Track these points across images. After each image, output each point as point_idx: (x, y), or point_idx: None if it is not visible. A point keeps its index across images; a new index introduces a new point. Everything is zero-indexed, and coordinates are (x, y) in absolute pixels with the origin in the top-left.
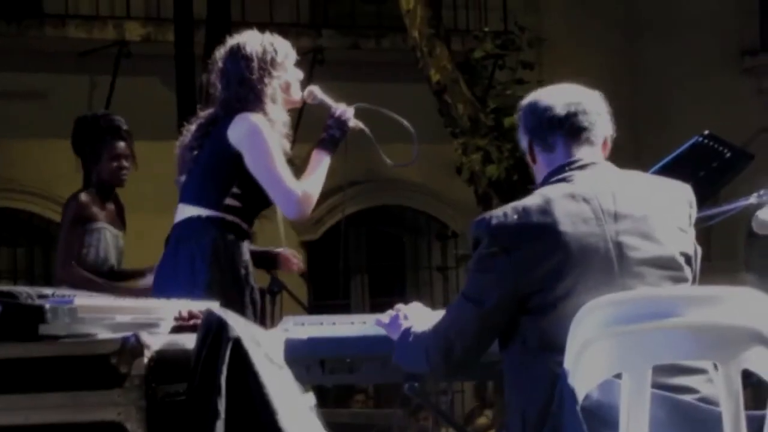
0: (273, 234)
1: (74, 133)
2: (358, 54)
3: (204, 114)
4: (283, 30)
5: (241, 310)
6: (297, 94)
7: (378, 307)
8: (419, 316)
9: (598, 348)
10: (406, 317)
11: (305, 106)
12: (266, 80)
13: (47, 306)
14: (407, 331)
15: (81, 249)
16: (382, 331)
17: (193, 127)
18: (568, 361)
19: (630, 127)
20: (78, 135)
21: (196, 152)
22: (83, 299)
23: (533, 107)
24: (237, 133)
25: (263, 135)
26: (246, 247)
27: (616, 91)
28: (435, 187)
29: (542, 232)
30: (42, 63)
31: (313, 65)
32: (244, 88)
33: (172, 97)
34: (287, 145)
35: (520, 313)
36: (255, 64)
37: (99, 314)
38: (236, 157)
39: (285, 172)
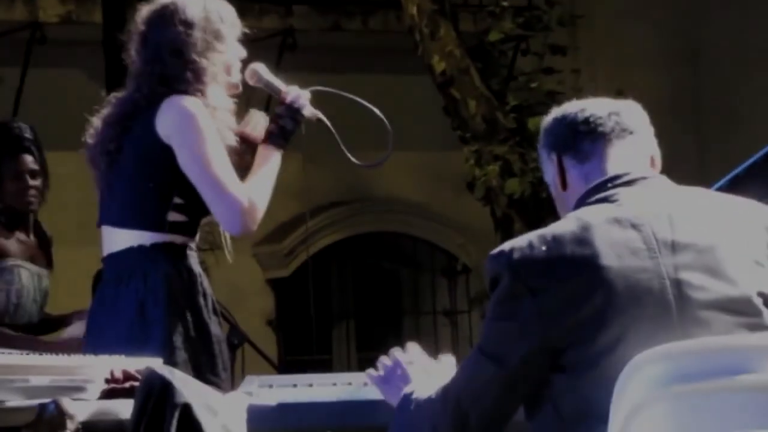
0: (232, 267)
1: None
2: (340, 37)
3: (118, 100)
4: (242, 7)
5: (211, 363)
6: (236, 77)
7: (367, 363)
8: (423, 371)
9: (651, 414)
10: (405, 374)
11: (252, 92)
12: (209, 55)
13: None
14: (408, 396)
15: None
16: (373, 395)
17: (101, 122)
18: None
19: (692, 126)
20: None
21: (113, 157)
22: None
23: (560, 117)
24: (167, 122)
25: (198, 123)
26: (204, 278)
27: (673, 81)
28: (440, 209)
29: (578, 267)
30: None
31: (281, 51)
32: (179, 62)
33: (101, 93)
34: (232, 139)
35: (551, 372)
36: (197, 33)
37: (7, 375)
38: (171, 157)
39: (226, 172)
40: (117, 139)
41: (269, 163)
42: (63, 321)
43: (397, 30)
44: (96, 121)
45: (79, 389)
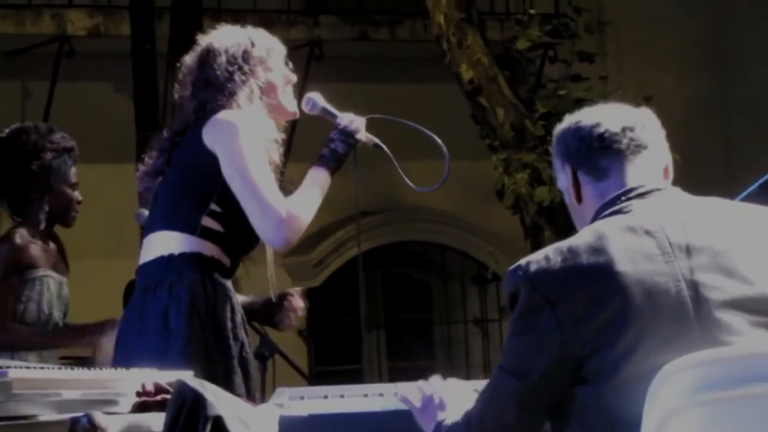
0: (262, 279)
1: (11, 146)
2: (367, 47)
3: (170, 127)
4: (269, 18)
5: (227, 378)
6: (289, 102)
7: (398, 372)
8: (457, 398)
9: (682, 422)
10: (442, 402)
11: (299, 119)
12: (237, 78)
13: None
14: (440, 424)
15: (17, 304)
16: (404, 406)
17: (156, 148)
18: None
19: (720, 131)
20: (15, 150)
21: (163, 169)
22: (20, 371)
23: (574, 128)
24: (214, 132)
25: (245, 134)
26: (233, 291)
27: (701, 86)
28: (470, 217)
29: (594, 275)
30: None
31: (308, 62)
32: (212, 89)
33: (129, 106)
34: (275, 154)
35: (574, 384)
36: (223, 59)
37: (40, 389)
38: (214, 165)
39: (268, 185)
40: (167, 151)
41: (316, 182)
42: (95, 328)
43: (425, 39)
44: (150, 154)
45: (111, 402)
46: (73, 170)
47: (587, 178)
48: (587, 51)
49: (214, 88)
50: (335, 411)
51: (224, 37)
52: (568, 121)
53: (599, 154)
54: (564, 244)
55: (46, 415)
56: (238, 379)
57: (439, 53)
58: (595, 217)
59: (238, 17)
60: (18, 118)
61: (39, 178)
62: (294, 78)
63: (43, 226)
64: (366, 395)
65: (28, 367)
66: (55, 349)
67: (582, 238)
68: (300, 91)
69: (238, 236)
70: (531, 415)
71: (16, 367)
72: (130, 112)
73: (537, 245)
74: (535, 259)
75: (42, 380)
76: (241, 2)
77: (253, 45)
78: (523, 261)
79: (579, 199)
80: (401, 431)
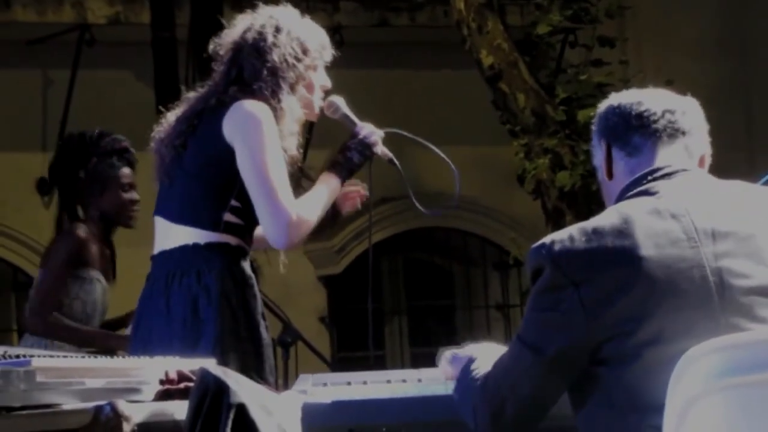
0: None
1: (60, 157)
2: (387, 33)
3: (192, 98)
4: (290, 3)
5: (258, 366)
6: (317, 102)
7: (420, 358)
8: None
9: (705, 407)
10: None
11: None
12: (291, 63)
13: None
14: (468, 368)
15: (64, 299)
16: (427, 391)
17: (173, 117)
18: (668, 426)
19: (741, 116)
20: (63, 161)
21: (178, 152)
22: (43, 360)
23: (616, 105)
24: (232, 123)
25: (262, 128)
26: (255, 281)
27: (722, 71)
28: (491, 202)
29: (619, 258)
30: None
31: None
32: (258, 61)
33: (149, 94)
34: (293, 149)
35: (594, 364)
36: (285, 38)
37: (64, 378)
38: (233, 159)
39: (280, 183)
40: (183, 135)
41: (327, 188)
42: (121, 323)
43: (445, 25)
44: (170, 116)
45: (135, 391)
46: (124, 171)
47: (620, 154)
48: (608, 36)
49: (264, 59)
50: (358, 397)
51: (294, 23)
52: (612, 98)
53: (635, 131)
54: (589, 224)
55: (70, 404)
56: (269, 366)
57: (459, 39)
58: (621, 196)
59: (258, 2)
60: (39, 106)
61: (86, 184)
62: (329, 84)
63: (99, 229)
64: (389, 381)
65: (51, 356)
66: (94, 347)
67: (607, 220)
68: None
69: (254, 225)
70: (546, 389)
71: (39, 356)
72: (150, 101)
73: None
74: (559, 239)
75: (65, 369)
76: None
77: (314, 40)
78: (547, 239)
79: (610, 174)
80: (424, 417)
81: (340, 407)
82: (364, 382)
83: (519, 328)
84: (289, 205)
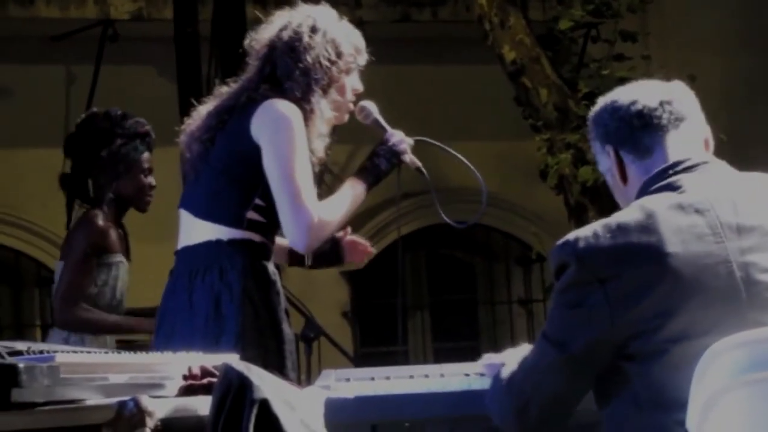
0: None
1: (82, 132)
2: (409, 28)
3: (224, 93)
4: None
5: (280, 363)
6: (347, 106)
7: (443, 353)
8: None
9: (729, 401)
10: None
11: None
12: (324, 64)
13: (21, 365)
14: (499, 371)
15: (92, 288)
16: (450, 387)
17: (204, 111)
18: (691, 421)
19: (765, 110)
20: (85, 137)
21: (206, 147)
22: (67, 356)
23: (611, 109)
24: (260, 122)
25: (290, 129)
26: (278, 278)
27: (746, 65)
28: (513, 198)
29: (645, 255)
30: (5, 51)
31: None
32: (291, 60)
33: (172, 90)
34: (321, 151)
35: (620, 359)
36: (319, 39)
37: (87, 374)
38: (259, 157)
39: (304, 185)
40: (212, 130)
41: (352, 193)
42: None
43: (467, 20)
44: (201, 109)
45: (158, 386)
46: (145, 155)
47: (631, 157)
48: (630, 30)
49: (297, 59)
50: (381, 392)
51: (331, 24)
52: (603, 102)
53: (641, 131)
54: (612, 220)
55: (94, 399)
56: (291, 363)
57: (482, 34)
58: (642, 192)
59: (281, 0)
60: (62, 102)
61: (107, 164)
62: (361, 88)
63: (113, 211)
64: (412, 376)
65: (75, 352)
66: (122, 335)
67: (631, 216)
68: None
69: (277, 225)
70: (570, 387)
71: (63, 352)
72: (173, 96)
73: (581, 225)
74: (584, 235)
75: (89, 364)
76: None
77: (349, 42)
78: (571, 236)
79: (624, 179)
80: (447, 412)
81: (363, 402)
82: (387, 378)
83: (544, 326)
84: (312, 208)
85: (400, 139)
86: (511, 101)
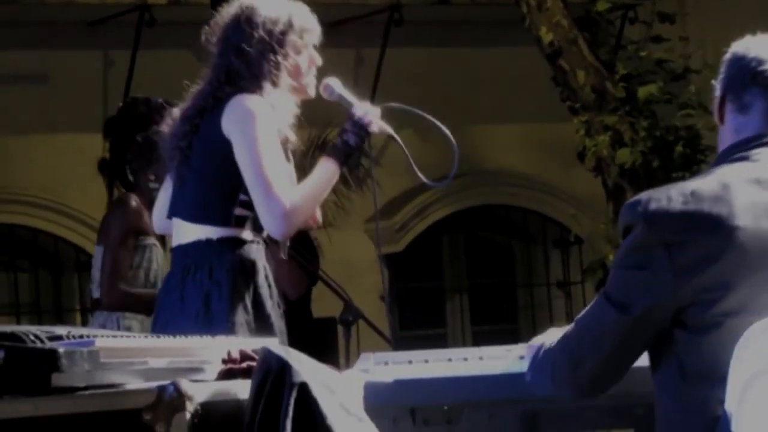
0: (344, 245)
1: (122, 116)
2: (447, 11)
3: (194, 93)
4: None
5: None
6: (310, 86)
7: (481, 336)
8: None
9: (766, 384)
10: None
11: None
12: (270, 56)
13: (61, 350)
14: (540, 347)
15: (128, 270)
16: (489, 370)
17: (177, 114)
18: (731, 400)
19: None
20: (124, 122)
21: (185, 153)
22: (107, 340)
23: (739, 55)
24: (229, 119)
25: (257, 121)
26: (269, 271)
27: None
28: (551, 180)
29: (714, 225)
30: (42, 37)
31: (388, 27)
32: (241, 60)
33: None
34: (292, 137)
35: (674, 327)
36: (260, 32)
37: (127, 358)
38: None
39: (275, 172)
40: (188, 135)
41: (324, 174)
42: None
43: (504, 2)
44: (175, 112)
45: (197, 370)
46: None
47: (731, 107)
48: (667, 11)
49: (244, 60)
50: (420, 376)
51: (265, 9)
52: (739, 46)
53: (749, 88)
54: (687, 186)
55: (133, 384)
56: None
57: (519, 16)
58: (722, 157)
59: None
60: (100, 87)
61: (141, 149)
62: (319, 61)
63: (147, 196)
64: (450, 360)
65: (114, 336)
66: None
67: (707, 184)
68: (380, 55)
69: None
70: (627, 348)
71: (103, 336)
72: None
73: (619, 207)
74: (656, 197)
75: (129, 349)
76: None
77: (291, 26)
78: (643, 196)
79: (722, 121)
80: (486, 395)
81: (402, 386)
82: (426, 361)
83: (606, 285)
84: (283, 196)
85: (365, 111)
86: (548, 84)
